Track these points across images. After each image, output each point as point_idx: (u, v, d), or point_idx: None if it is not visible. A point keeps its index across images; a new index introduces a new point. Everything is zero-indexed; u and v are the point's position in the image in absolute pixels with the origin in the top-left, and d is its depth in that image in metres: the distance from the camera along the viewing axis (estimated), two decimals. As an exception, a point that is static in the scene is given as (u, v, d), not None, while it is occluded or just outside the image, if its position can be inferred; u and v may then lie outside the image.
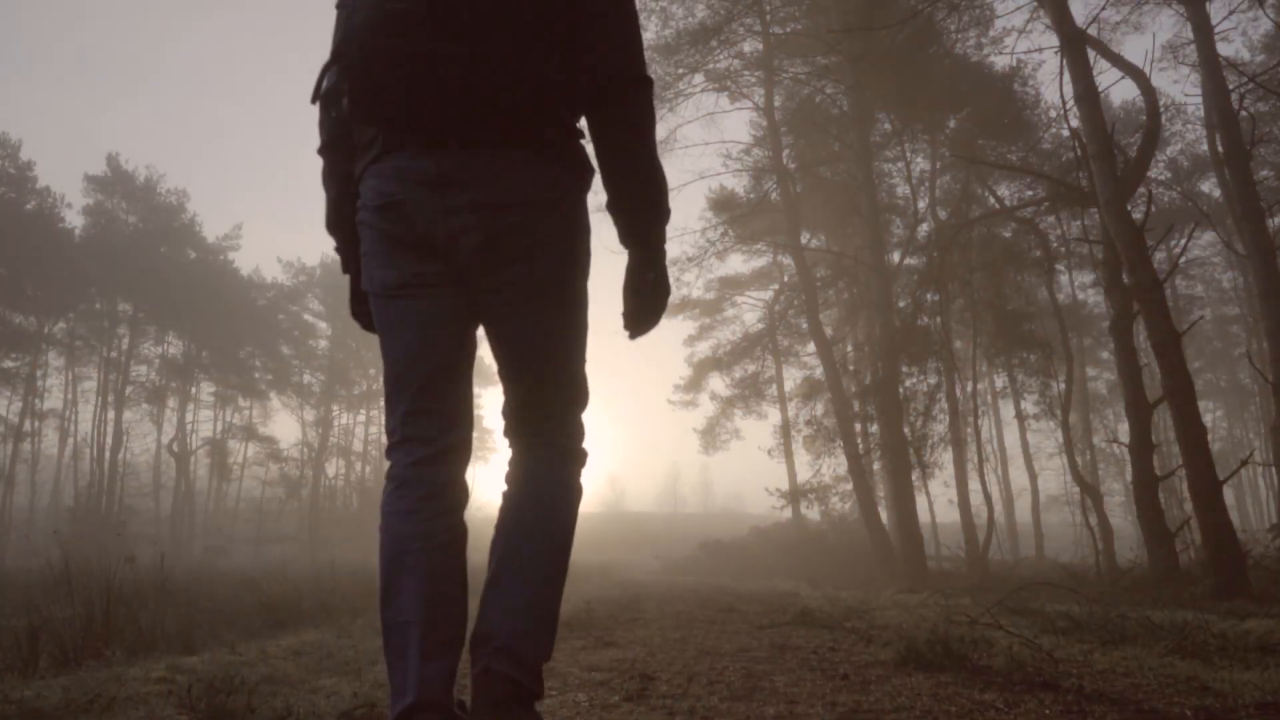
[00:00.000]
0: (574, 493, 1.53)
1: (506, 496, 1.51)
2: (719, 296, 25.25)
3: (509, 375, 1.53)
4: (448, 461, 1.47)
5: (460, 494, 1.48)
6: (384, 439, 1.52)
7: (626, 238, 1.52)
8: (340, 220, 1.55)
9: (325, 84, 1.48)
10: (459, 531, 1.46)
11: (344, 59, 1.33)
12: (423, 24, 1.30)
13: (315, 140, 1.60)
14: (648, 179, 1.48)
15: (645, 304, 1.53)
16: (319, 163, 1.60)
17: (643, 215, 1.50)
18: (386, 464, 1.49)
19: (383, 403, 1.56)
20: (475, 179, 1.37)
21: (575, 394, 1.55)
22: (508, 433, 1.56)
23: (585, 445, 1.59)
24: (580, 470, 1.55)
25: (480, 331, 1.58)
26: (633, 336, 1.59)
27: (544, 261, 1.43)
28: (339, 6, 1.42)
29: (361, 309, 1.60)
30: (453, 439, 1.48)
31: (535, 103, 1.36)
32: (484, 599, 1.43)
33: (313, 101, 1.52)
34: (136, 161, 61.57)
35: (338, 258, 1.62)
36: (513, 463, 1.54)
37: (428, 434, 1.45)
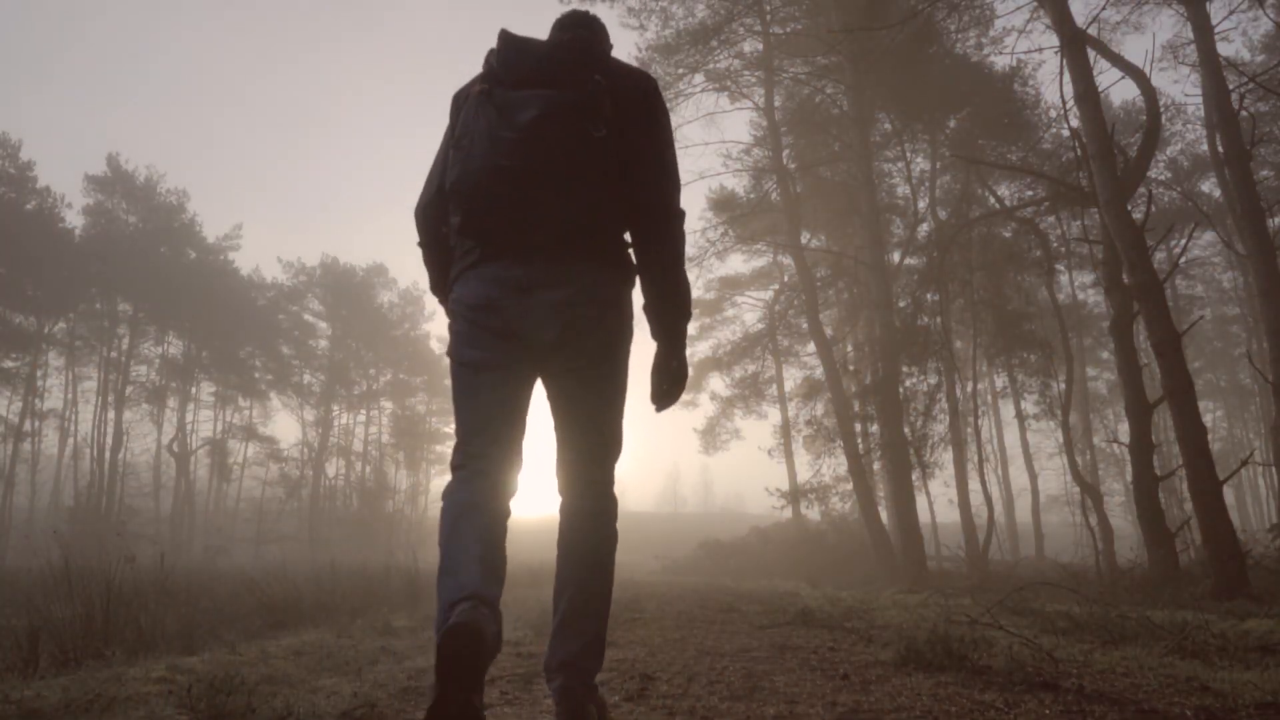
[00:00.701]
0: (614, 542, 1.97)
1: (566, 545, 1.95)
2: (719, 296, 25.26)
3: (566, 428, 1.95)
4: (501, 472, 1.87)
5: (507, 490, 1.88)
6: (449, 460, 1.93)
7: (658, 333, 1.99)
8: (440, 286, 2.09)
9: (424, 199, 2.00)
10: (503, 511, 1.84)
11: (460, 195, 1.82)
12: (523, 176, 1.76)
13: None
14: (679, 289, 1.96)
15: (671, 386, 1.99)
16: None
17: (672, 317, 1.96)
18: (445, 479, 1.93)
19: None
20: (556, 284, 1.82)
21: (616, 447, 1.99)
22: (560, 477, 1.98)
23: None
24: (615, 518, 1.98)
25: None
26: (659, 410, 2.03)
27: (603, 343, 1.88)
28: (456, 147, 1.86)
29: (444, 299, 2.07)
30: (507, 464, 1.89)
31: (599, 229, 1.85)
32: (557, 634, 1.90)
33: (416, 214, 2.03)
34: (136, 161, 61.58)
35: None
36: (567, 513, 1.96)
37: (490, 468, 1.85)
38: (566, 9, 2.20)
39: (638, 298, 1.98)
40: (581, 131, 1.79)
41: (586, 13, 2.16)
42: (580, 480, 1.95)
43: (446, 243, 1.99)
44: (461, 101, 1.97)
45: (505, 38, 1.92)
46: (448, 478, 1.85)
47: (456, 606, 1.55)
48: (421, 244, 2.07)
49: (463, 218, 1.83)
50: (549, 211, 1.79)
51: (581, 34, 2.01)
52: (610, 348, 1.90)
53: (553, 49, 1.89)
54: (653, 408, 2.03)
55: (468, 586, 1.59)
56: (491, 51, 1.93)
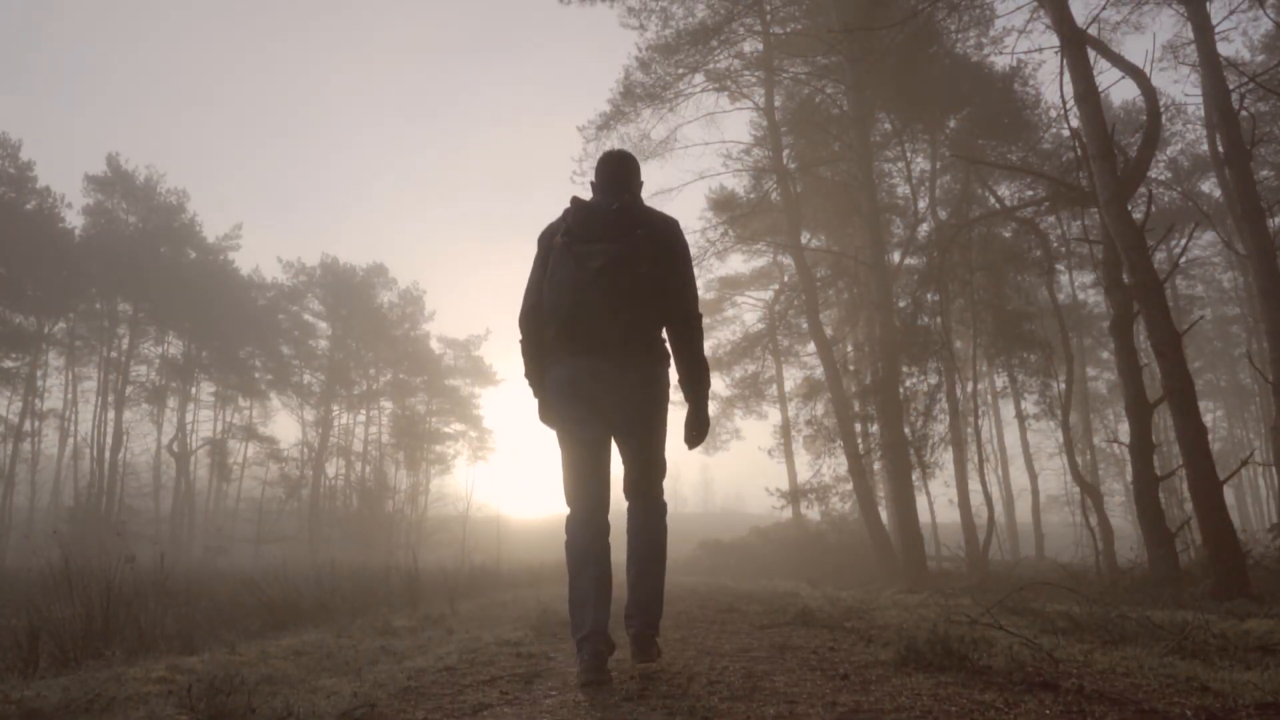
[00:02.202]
0: (664, 533, 2.99)
1: (633, 535, 2.95)
2: (719, 296, 25.25)
3: (629, 460, 2.97)
4: (600, 515, 2.89)
5: (604, 527, 2.88)
6: (564, 505, 2.97)
7: (688, 397, 3.01)
8: (536, 374, 3.00)
9: (525, 309, 2.96)
10: (605, 544, 2.86)
11: (554, 315, 2.81)
12: (594, 304, 2.75)
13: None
14: (701, 367, 2.96)
15: (697, 433, 3.05)
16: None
17: (697, 387, 2.98)
18: (566, 511, 2.92)
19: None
20: (617, 370, 2.82)
21: (661, 472, 3.03)
22: (627, 494, 3.01)
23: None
24: (665, 515, 3.00)
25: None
26: (690, 449, 3.14)
27: (649, 407, 2.90)
28: (549, 281, 2.84)
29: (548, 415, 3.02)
30: (601, 505, 2.90)
31: (644, 332, 2.83)
32: (631, 592, 2.93)
33: (520, 321, 2.98)
34: (136, 161, 61.54)
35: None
36: (632, 514, 2.99)
37: (591, 504, 2.87)
38: (602, 147, 3.12)
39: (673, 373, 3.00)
40: (631, 271, 2.78)
41: (624, 154, 3.16)
42: (638, 493, 2.98)
43: (542, 342, 2.93)
44: (547, 240, 2.96)
45: (577, 204, 2.94)
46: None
47: (584, 644, 2.67)
48: (523, 340, 3.00)
49: (556, 329, 2.82)
50: (611, 325, 2.76)
51: (626, 199, 2.95)
52: (654, 406, 2.91)
53: (609, 216, 2.86)
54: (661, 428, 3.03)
55: (594, 624, 2.68)
56: (568, 211, 2.94)
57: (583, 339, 2.77)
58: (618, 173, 3.07)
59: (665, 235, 2.87)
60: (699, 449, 3.70)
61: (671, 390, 2.99)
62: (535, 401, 3.05)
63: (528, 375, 3.03)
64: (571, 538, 2.83)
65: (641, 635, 2.86)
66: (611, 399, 2.82)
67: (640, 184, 3.14)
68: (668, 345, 2.95)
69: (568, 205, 2.97)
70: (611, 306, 2.74)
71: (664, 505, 2.99)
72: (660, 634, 3.06)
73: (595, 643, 2.64)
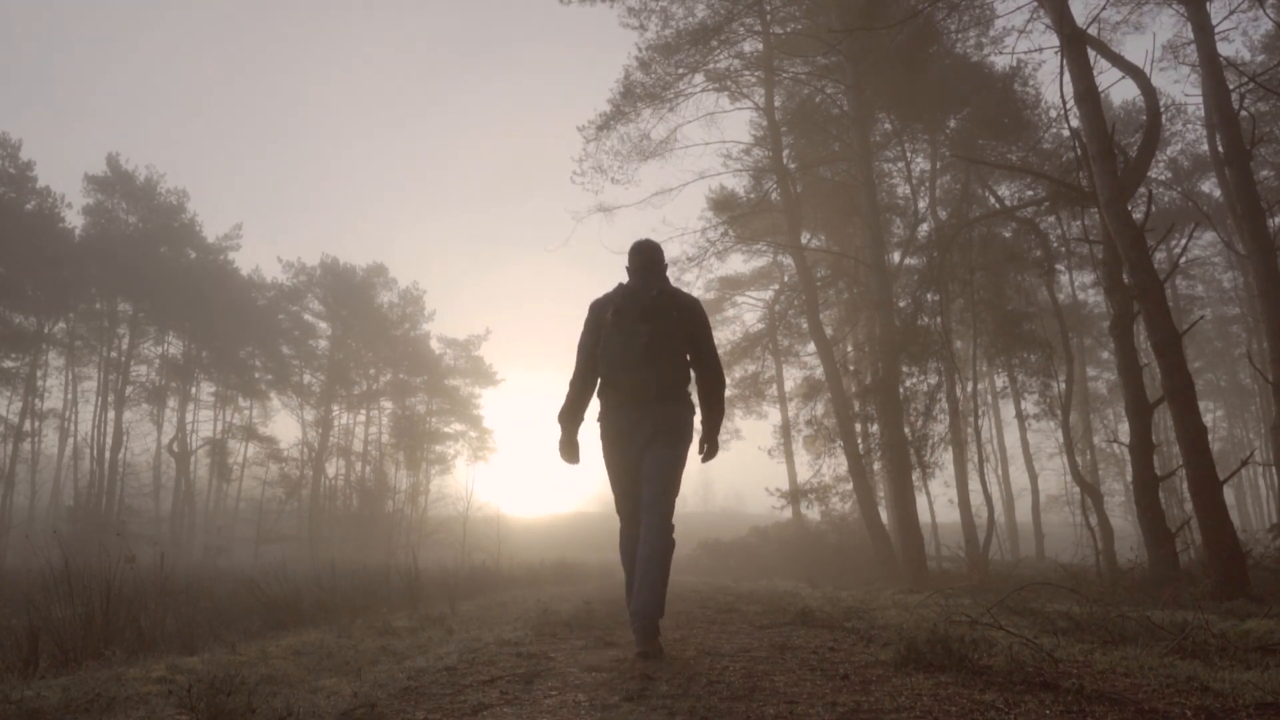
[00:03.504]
0: (671, 545, 3.61)
1: (643, 545, 3.57)
2: (719, 296, 25.25)
3: (649, 481, 3.62)
4: (637, 525, 3.73)
5: (639, 527, 3.70)
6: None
7: (706, 428, 3.89)
8: (571, 419, 3.81)
9: (578, 371, 3.76)
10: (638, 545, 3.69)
11: (606, 375, 3.65)
12: (638, 369, 3.55)
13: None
14: (721, 410, 3.86)
15: (709, 455, 3.97)
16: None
17: (715, 423, 3.89)
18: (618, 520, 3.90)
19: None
20: (654, 417, 3.62)
21: (674, 492, 3.67)
22: (645, 511, 3.62)
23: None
24: (671, 532, 3.63)
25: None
26: (703, 463, 4.02)
27: (675, 442, 3.66)
28: (602, 350, 3.64)
29: (568, 452, 3.88)
30: (638, 517, 3.70)
31: (676, 387, 3.65)
32: (637, 593, 3.53)
33: (573, 381, 3.80)
34: (137, 161, 61.55)
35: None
36: (645, 527, 3.59)
37: (634, 515, 3.74)
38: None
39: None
40: (668, 344, 3.63)
41: (653, 244, 3.91)
42: (654, 510, 3.61)
43: (588, 397, 3.83)
44: (598, 314, 3.75)
45: (622, 289, 3.77)
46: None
47: (634, 619, 3.50)
48: (572, 392, 3.81)
49: (607, 386, 3.71)
50: (651, 383, 3.60)
51: (662, 284, 3.79)
52: (679, 444, 3.70)
53: (649, 300, 3.65)
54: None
55: (633, 603, 3.54)
56: (616, 293, 3.76)
57: (627, 394, 3.63)
58: (650, 260, 3.86)
59: (693, 315, 3.74)
60: (702, 456, 4.29)
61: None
62: (560, 435, 3.84)
63: (561, 417, 3.80)
64: (624, 541, 3.87)
65: (644, 628, 3.45)
66: (644, 438, 3.65)
67: (665, 265, 3.94)
68: (693, 396, 3.83)
69: (618, 284, 3.84)
70: (652, 371, 3.58)
71: (670, 523, 3.65)
72: (660, 632, 3.67)
73: (642, 619, 3.45)
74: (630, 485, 3.70)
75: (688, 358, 3.74)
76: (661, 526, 3.55)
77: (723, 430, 25.04)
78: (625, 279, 3.84)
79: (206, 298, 33.57)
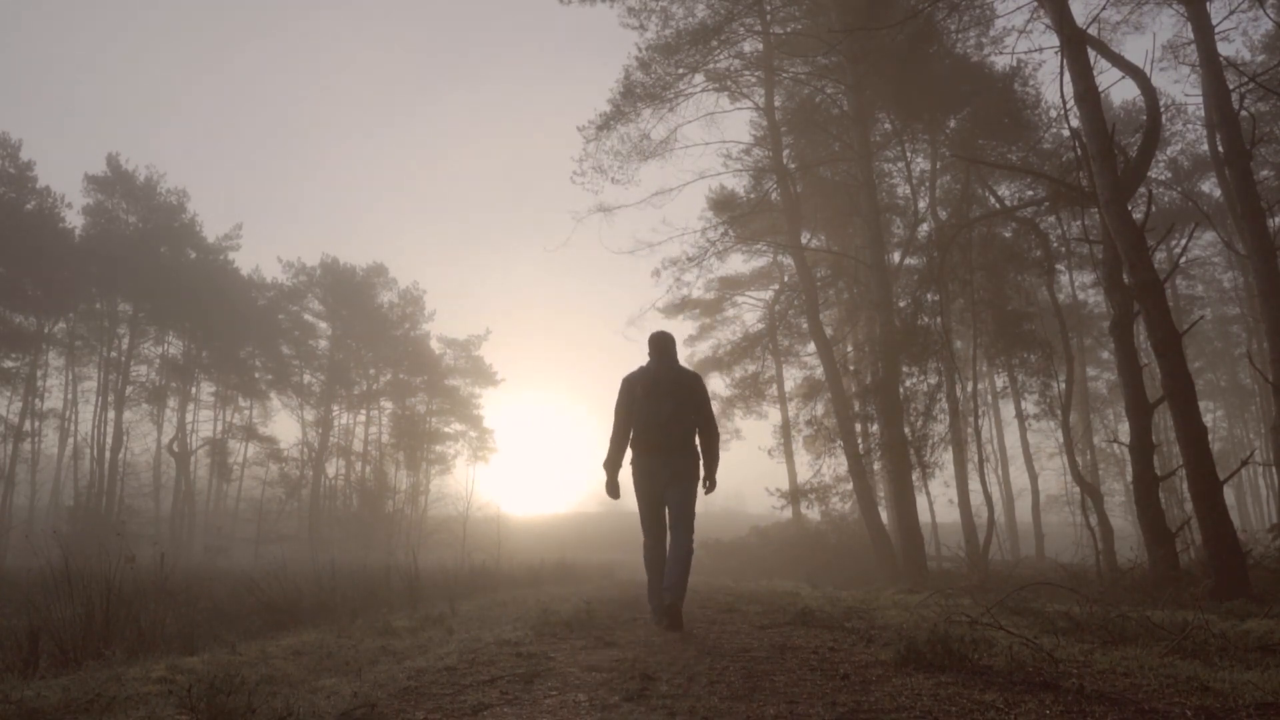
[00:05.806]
0: (691, 551, 5.05)
1: (670, 548, 5.05)
2: (719, 296, 25.24)
3: (673, 509, 5.12)
4: (661, 541, 5.24)
5: (664, 549, 5.18)
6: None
7: (707, 468, 5.34)
8: (614, 467, 5.29)
9: (616, 432, 5.31)
10: (663, 554, 5.16)
11: (639, 433, 5.24)
12: (665, 430, 5.19)
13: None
14: (717, 456, 5.37)
15: (710, 488, 5.41)
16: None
17: (713, 466, 5.36)
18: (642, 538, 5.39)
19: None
20: (674, 464, 5.17)
21: (693, 515, 5.18)
22: (670, 529, 5.13)
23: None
24: (692, 541, 5.08)
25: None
26: (706, 494, 5.40)
27: (688, 481, 5.19)
28: (637, 418, 5.25)
29: (612, 490, 5.35)
30: (661, 535, 5.23)
31: (689, 441, 5.28)
32: (667, 577, 4.90)
33: (613, 439, 5.33)
34: (137, 161, 61.53)
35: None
36: (671, 539, 5.08)
37: (656, 534, 5.26)
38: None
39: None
40: (685, 411, 5.18)
41: (668, 334, 5.46)
42: (678, 529, 5.00)
43: (624, 450, 5.23)
44: (630, 388, 5.25)
45: (648, 371, 5.29)
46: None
47: (663, 598, 4.82)
48: (612, 449, 5.22)
49: (639, 441, 5.17)
50: (673, 439, 5.13)
51: (676, 367, 5.38)
52: (691, 482, 5.14)
53: (670, 380, 5.23)
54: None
55: (658, 595, 4.99)
56: (641, 372, 5.32)
57: (654, 445, 5.11)
58: (666, 348, 5.39)
59: (699, 389, 5.30)
60: (705, 490, 5.72)
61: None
62: (606, 478, 5.24)
63: (606, 465, 5.22)
64: (646, 552, 5.22)
65: (671, 605, 4.69)
66: (666, 477, 5.08)
67: (676, 351, 5.49)
68: (698, 445, 5.25)
69: (643, 365, 5.40)
70: (675, 431, 5.12)
71: (692, 538, 5.05)
72: (681, 606, 4.87)
73: (671, 594, 4.73)
74: (654, 510, 5.14)
75: (696, 421, 5.24)
76: (686, 538, 4.96)
77: (723, 430, 25.32)
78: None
79: (206, 298, 33.55)
